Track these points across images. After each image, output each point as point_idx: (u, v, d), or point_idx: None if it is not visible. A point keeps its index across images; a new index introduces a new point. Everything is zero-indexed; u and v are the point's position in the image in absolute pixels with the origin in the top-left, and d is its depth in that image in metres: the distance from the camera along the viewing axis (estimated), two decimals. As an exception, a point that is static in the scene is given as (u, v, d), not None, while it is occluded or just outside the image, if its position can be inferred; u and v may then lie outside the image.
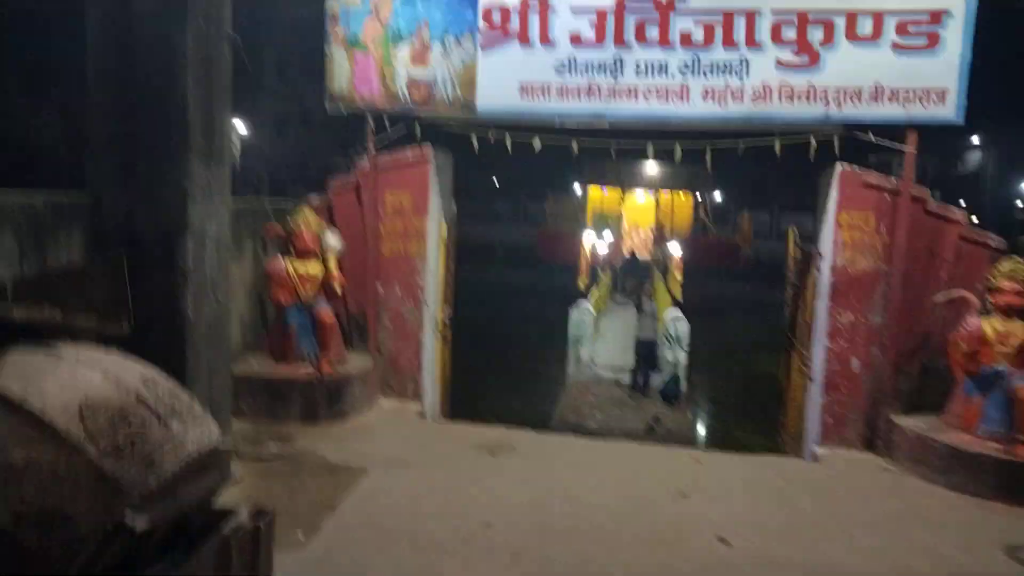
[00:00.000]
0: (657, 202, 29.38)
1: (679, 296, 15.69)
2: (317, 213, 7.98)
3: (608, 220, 28.88)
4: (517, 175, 47.69)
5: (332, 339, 7.46)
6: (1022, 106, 41.18)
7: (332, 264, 7.52)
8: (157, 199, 4.72)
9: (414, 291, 7.98)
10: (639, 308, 13.71)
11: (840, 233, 7.06)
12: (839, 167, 7.10)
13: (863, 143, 6.98)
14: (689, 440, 11.72)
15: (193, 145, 4.74)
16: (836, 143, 7.05)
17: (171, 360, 4.87)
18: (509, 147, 7.79)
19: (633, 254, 27.11)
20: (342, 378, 7.32)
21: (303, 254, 7.50)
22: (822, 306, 7.25)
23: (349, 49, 7.70)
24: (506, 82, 7.42)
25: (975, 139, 45.44)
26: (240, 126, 36.87)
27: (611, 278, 24.02)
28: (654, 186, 28.83)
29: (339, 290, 7.46)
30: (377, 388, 8.03)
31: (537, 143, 7.74)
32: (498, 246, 43.02)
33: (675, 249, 15.57)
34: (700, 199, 29.09)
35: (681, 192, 29.25)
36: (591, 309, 15.08)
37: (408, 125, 7.83)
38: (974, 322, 6.39)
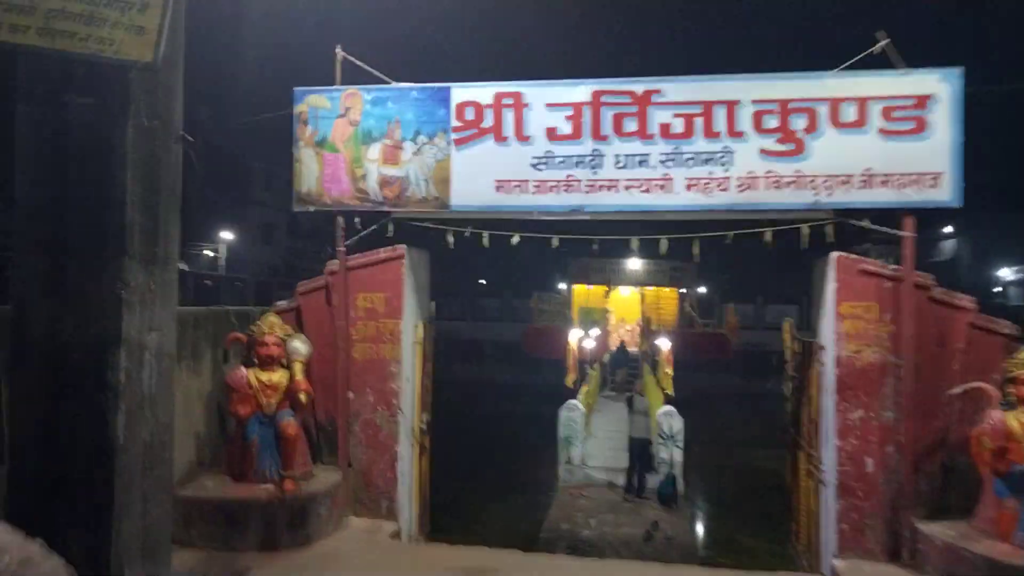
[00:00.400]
0: (642, 296, 29.15)
1: (671, 391, 15.05)
2: (284, 318, 7.44)
3: (594, 315, 28.52)
4: (501, 272, 47.86)
5: (296, 453, 6.74)
6: (996, 192, 41.98)
7: (298, 372, 6.90)
8: (87, 308, 4.15)
9: (388, 398, 7.33)
10: (630, 406, 13.05)
11: (842, 324, 6.57)
12: (834, 255, 6.70)
13: (858, 230, 6.62)
14: (690, 548, 10.82)
15: (131, 249, 4.22)
16: (830, 230, 6.67)
17: (95, 491, 4.21)
18: (486, 242, 7.35)
19: (622, 344, 26.57)
20: (307, 497, 6.55)
21: (267, 362, 6.89)
22: (829, 402, 6.67)
23: (318, 150, 7.39)
24: (481, 178, 7.08)
25: (949, 228, 46.23)
26: (226, 234, 36.89)
27: (600, 373, 23.37)
28: (639, 282, 28.71)
29: (304, 399, 6.81)
30: (347, 506, 7.24)
31: (515, 238, 7.32)
32: (484, 344, 42.47)
33: (664, 343, 15.07)
34: (685, 292, 28.89)
35: (666, 286, 29.14)
36: (581, 407, 14.38)
37: (381, 224, 7.43)
38: (997, 416, 5.81)
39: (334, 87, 7.43)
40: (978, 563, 5.58)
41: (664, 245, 7.07)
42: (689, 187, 6.69)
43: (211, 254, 36.67)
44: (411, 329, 7.58)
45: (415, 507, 7.57)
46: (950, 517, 6.23)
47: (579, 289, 29.85)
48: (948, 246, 46.81)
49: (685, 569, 6.46)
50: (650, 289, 29.16)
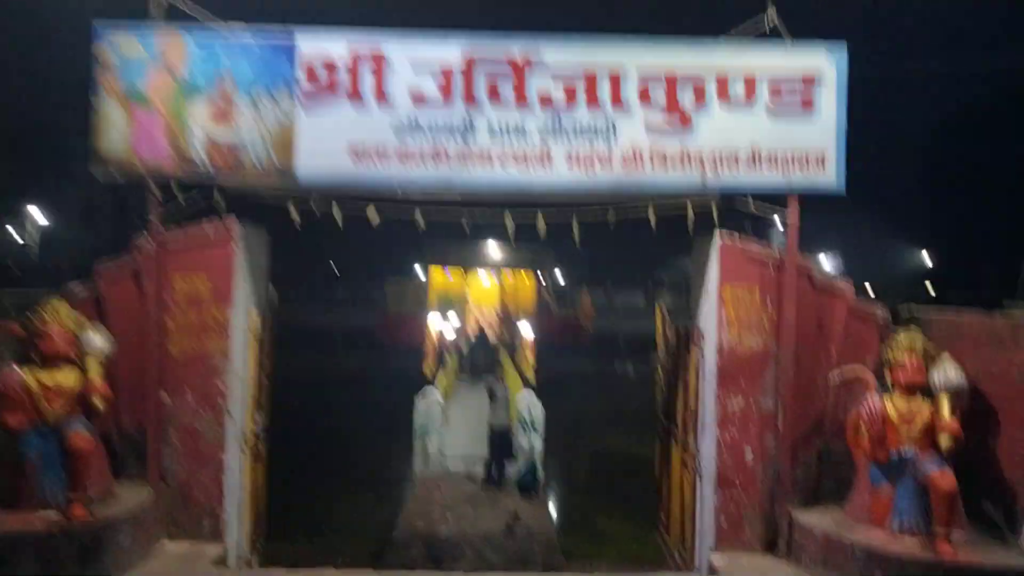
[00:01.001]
0: (501, 281, 28.63)
1: (531, 378, 14.54)
2: (81, 306, 5.95)
3: (452, 302, 27.66)
4: (354, 255, 45.70)
5: (89, 471, 5.32)
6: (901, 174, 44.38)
7: (93, 371, 5.47)
8: None
9: (212, 399, 6.06)
10: (491, 395, 12.33)
11: (724, 310, 6.13)
12: (719, 238, 6.24)
13: (743, 212, 6.18)
14: (552, 539, 10.28)
15: None
16: (714, 212, 6.18)
17: None
18: (339, 220, 6.24)
19: (482, 330, 25.92)
20: (103, 524, 5.19)
21: (51, 360, 5.41)
22: (709, 391, 6.22)
23: (127, 104, 5.93)
24: (334, 145, 5.97)
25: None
26: (37, 214, 32.31)
27: (457, 361, 22.60)
28: (497, 266, 28.12)
29: (101, 405, 5.40)
30: (160, 529, 5.92)
31: (373, 214, 6.26)
32: (334, 334, 40.44)
33: (526, 330, 14.52)
34: (542, 278, 28.74)
35: (524, 272, 28.77)
36: (438, 395, 13.50)
37: (207, 195, 6.11)
38: (875, 402, 5.57)
39: (147, 25, 5.99)
40: (855, 551, 5.31)
41: (542, 225, 6.29)
42: (570, 162, 5.96)
43: (17, 238, 32.01)
44: (243, 318, 6.33)
45: (247, 523, 6.35)
46: (824, 504, 6.00)
47: (436, 273, 28.84)
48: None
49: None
50: (508, 273, 28.72)
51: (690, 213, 6.18)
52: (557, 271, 34.74)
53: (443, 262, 28.05)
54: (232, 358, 6.09)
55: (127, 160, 5.90)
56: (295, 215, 6.22)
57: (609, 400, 28.34)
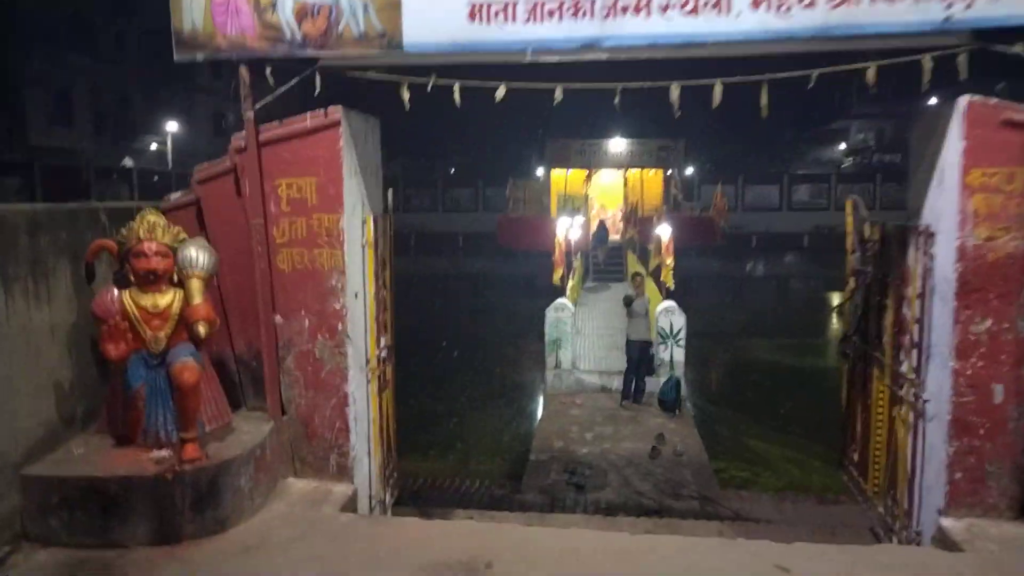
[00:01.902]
0: (625, 180, 26.81)
1: (671, 284, 13.19)
2: (179, 217, 5.21)
3: (575, 203, 26.28)
4: (472, 158, 44.58)
5: (199, 405, 4.67)
6: (977, 64, 39.64)
7: (195, 292, 4.73)
8: None
9: (330, 321, 5.23)
10: (629, 307, 11.14)
11: (970, 200, 4.51)
12: (963, 100, 4.55)
13: (993, 62, 4.44)
14: (702, 463, 9.20)
15: None
16: (963, 61, 4.44)
17: None
18: (457, 98, 5.03)
19: (601, 223, 24.56)
20: (217, 467, 4.55)
21: (148, 280, 4.70)
22: (942, 309, 4.71)
23: (205, -32, 4.90)
24: (447, 2, 4.72)
25: (932, 100, 43.89)
26: (172, 125, 33.35)
27: (583, 264, 21.49)
28: (622, 164, 26.31)
29: (203, 331, 4.67)
30: (284, 466, 5.30)
31: (501, 90, 5.00)
32: (458, 237, 40.25)
33: (665, 231, 13.07)
34: (671, 174, 26.63)
35: (652, 167, 26.75)
36: (570, 306, 12.48)
37: (303, 76, 5.08)
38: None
39: None
40: None
41: (718, 94, 4.81)
42: (757, 4, 4.41)
43: (155, 147, 33.33)
44: (358, 226, 5.38)
45: (376, 460, 5.63)
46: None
47: (557, 174, 27.39)
48: None
49: (752, 544, 4.63)
50: (633, 172, 26.78)
51: (925, 64, 4.47)
52: (689, 168, 32.23)
53: (565, 163, 26.49)
54: (347, 274, 5.20)
55: (209, 38, 4.93)
56: (406, 96, 5.06)
57: (738, 301, 26.54)
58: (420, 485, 8.87)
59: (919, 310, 4.92)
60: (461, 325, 20.41)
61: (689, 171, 32.48)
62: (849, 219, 6.40)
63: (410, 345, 17.94)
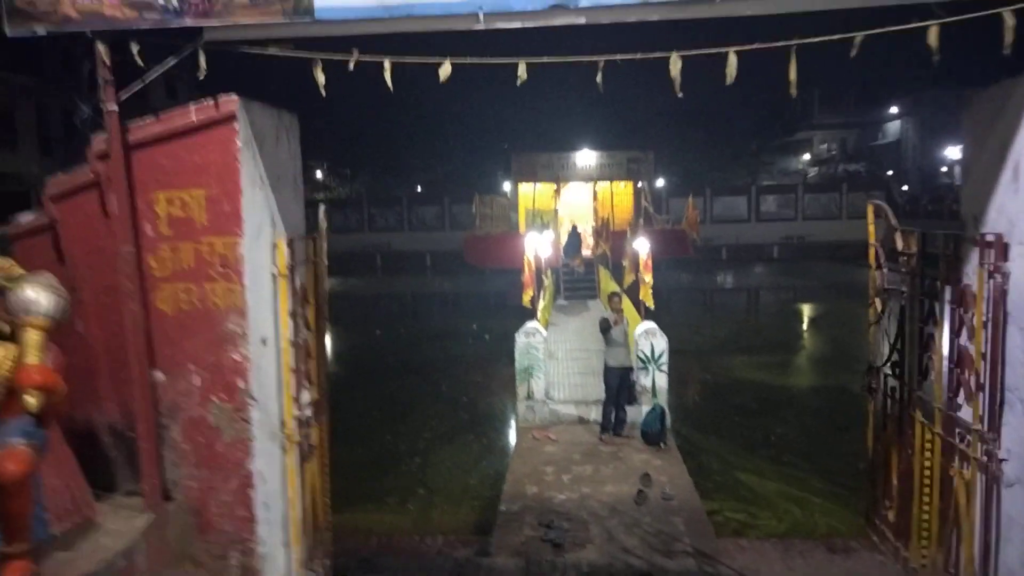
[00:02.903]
0: (595, 194, 25.78)
1: (650, 304, 12.05)
2: (31, 246, 3.89)
3: (543, 218, 25.16)
4: (437, 175, 43.41)
5: (27, 507, 3.30)
6: (936, 72, 39.74)
7: (31, 346, 3.40)
8: None
9: (228, 377, 3.93)
10: (605, 328, 9.97)
11: (1064, 200, 3.41)
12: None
13: None
14: (694, 507, 8.00)
15: None
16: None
17: None
18: (389, 79, 3.77)
19: (574, 228, 23.50)
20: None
21: (-37, 332, 3.37)
22: (1022, 342, 3.59)
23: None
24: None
25: (893, 109, 43.94)
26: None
27: (553, 281, 20.32)
28: (591, 177, 25.30)
29: (34, 400, 3.33)
30: (169, 571, 3.97)
31: (446, 68, 3.75)
32: (425, 256, 38.90)
33: (642, 247, 11.96)
34: (641, 186, 25.69)
35: (622, 180, 25.77)
36: (542, 331, 11.25)
37: (183, 54, 3.81)
38: None
39: None
40: None
41: (733, 66, 3.60)
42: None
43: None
44: (266, 251, 4.11)
45: (297, 553, 4.30)
46: None
47: (525, 189, 26.30)
48: (892, 127, 44.67)
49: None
50: (603, 186, 25.79)
51: (1008, 20, 3.34)
52: (660, 180, 31.37)
53: (532, 177, 25.43)
54: (251, 314, 3.92)
55: (54, 5, 3.64)
56: (320, 78, 3.80)
57: (713, 314, 25.65)
58: (372, 549, 7.53)
59: (987, 342, 3.79)
60: (426, 349, 19.06)
61: (660, 183, 31.67)
62: (871, 227, 5.30)
63: (371, 373, 16.71)
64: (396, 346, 19.95)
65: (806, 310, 25.68)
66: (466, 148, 39.19)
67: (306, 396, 4.47)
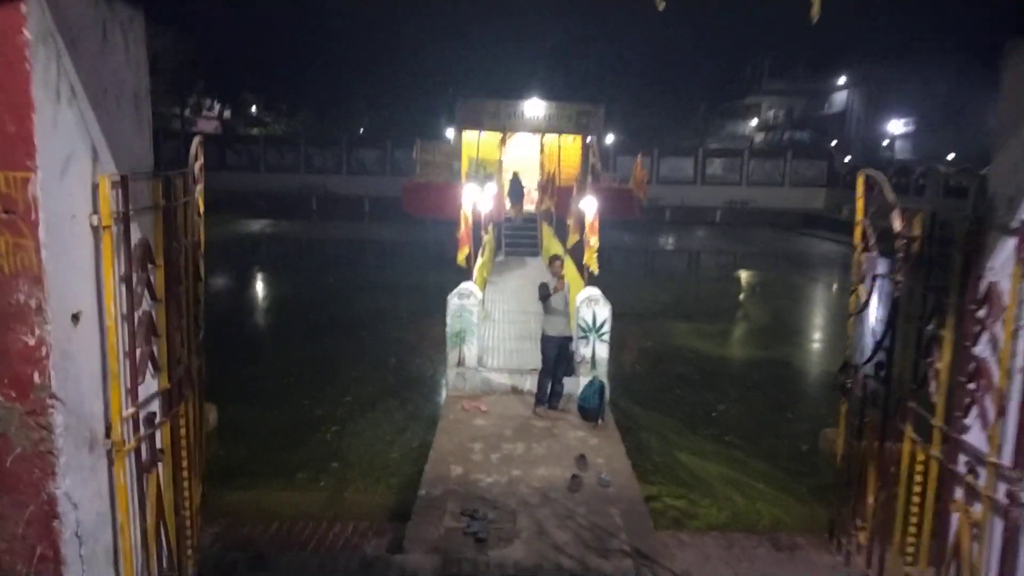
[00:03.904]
0: (542, 147, 24.57)
1: (595, 269, 11.16)
2: None
3: (487, 168, 23.90)
4: (382, 119, 41.37)
5: None
6: (886, 47, 39.71)
7: None
8: None
9: (17, 368, 2.79)
10: (546, 303, 9.06)
11: None
12: None
13: None
14: (633, 494, 7.28)
15: None
16: None
17: None
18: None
19: (515, 176, 22.46)
20: None
21: None
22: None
23: None
24: None
25: (842, 80, 43.87)
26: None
27: (494, 235, 19.29)
28: (538, 128, 24.03)
29: None
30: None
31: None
32: (364, 201, 37.26)
33: (589, 207, 10.99)
34: (590, 141, 24.57)
35: (571, 133, 24.55)
36: (477, 292, 10.25)
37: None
38: None
39: None
40: None
41: None
42: None
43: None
44: (79, 193, 2.93)
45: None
46: None
47: (469, 137, 24.88)
48: (839, 98, 44.68)
49: None
50: (550, 139, 24.57)
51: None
52: (610, 136, 30.35)
53: (477, 125, 24.02)
54: (52, 281, 2.77)
55: None
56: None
57: (654, 278, 25.11)
58: (271, 538, 6.53)
59: (1019, 356, 2.97)
60: (357, 303, 17.83)
61: (609, 139, 30.68)
62: (860, 201, 4.43)
63: (294, 328, 15.40)
64: (324, 298, 18.64)
65: (747, 277, 25.43)
66: (412, 90, 37.22)
67: (150, 387, 3.36)
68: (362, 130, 41.61)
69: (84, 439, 2.96)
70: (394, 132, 36.87)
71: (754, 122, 48.01)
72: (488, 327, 11.79)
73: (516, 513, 6.79)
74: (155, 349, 3.37)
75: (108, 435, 3.08)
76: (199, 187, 4.03)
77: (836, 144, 40.16)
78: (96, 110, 2.98)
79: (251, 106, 44.97)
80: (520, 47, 36.37)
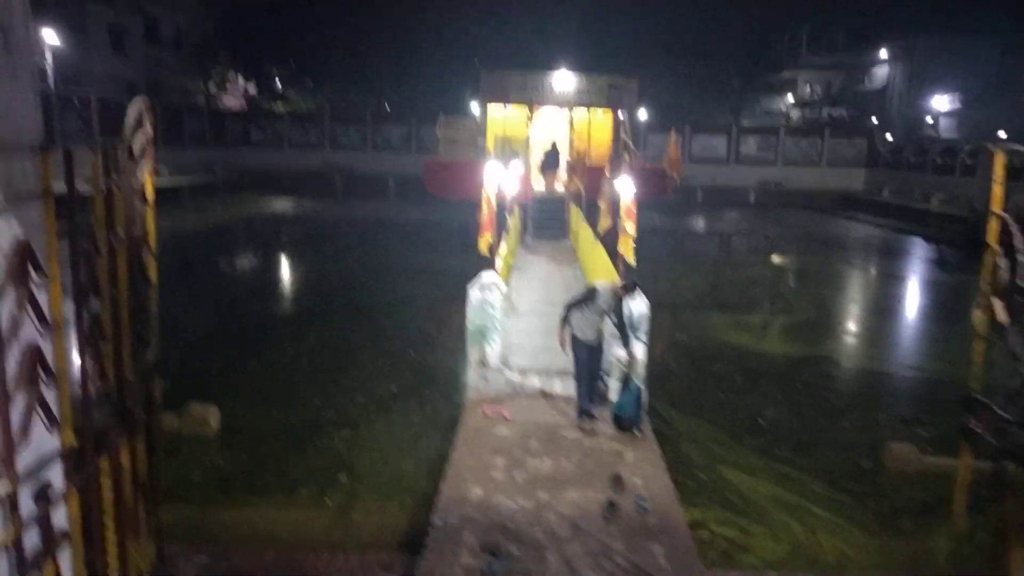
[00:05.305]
0: (571, 123, 23.25)
1: (631, 259, 10.05)
2: None
3: (513, 146, 22.71)
4: (406, 96, 40.42)
5: None
6: (930, 18, 37.47)
7: None
8: None
9: None
10: (590, 303, 7.99)
11: None
12: None
13: None
14: (677, 526, 6.24)
15: None
16: None
17: None
18: None
19: (554, 146, 21.36)
20: None
21: None
22: None
23: None
24: None
25: (883, 53, 41.58)
26: (51, 37, 27.91)
27: (520, 218, 18.20)
28: (568, 102, 22.69)
29: None
30: None
31: None
32: (388, 179, 36.42)
33: (626, 189, 9.86)
34: (622, 117, 23.16)
35: (602, 107, 23.14)
36: (500, 284, 9.21)
37: None
38: None
39: None
40: None
41: None
42: None
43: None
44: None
45: None
46: None
47: (494, 112, 23.66)
48: (880, 73, 42.40)
49: None
50: (580, 114, 23.23)
51: None
52: (642, 112, 28.88)
53: (503, 98, 22.76)
54: None
55: None
56: None
57: (686, 262, 23.66)
58: (264, 569, 5.66)
59: None
60: (378, 288, 16.94)
61: (642, 116, 29.25)
62: (997, 187, 3.30)
63: (310, 315, 14.48)
64: (345, 282, 17.79)
65: (785, 263, 24.05)
66: (437, 64, 36.04)
67: (45, 444, 2.41)
68: (388, 107, 40.60)
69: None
70: (419, 108, 35.81)
71: (790, 98, 45.91)
72: (513, 321, 10.77)
73: (544, 549, 5.79)
74: (47, 394, 2.41)
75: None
76: (144, 165, 3.05)
77: (877, 122, 38.14)
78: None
79: (275, 80, 44.14)
80: (547, 16, 34.89)
